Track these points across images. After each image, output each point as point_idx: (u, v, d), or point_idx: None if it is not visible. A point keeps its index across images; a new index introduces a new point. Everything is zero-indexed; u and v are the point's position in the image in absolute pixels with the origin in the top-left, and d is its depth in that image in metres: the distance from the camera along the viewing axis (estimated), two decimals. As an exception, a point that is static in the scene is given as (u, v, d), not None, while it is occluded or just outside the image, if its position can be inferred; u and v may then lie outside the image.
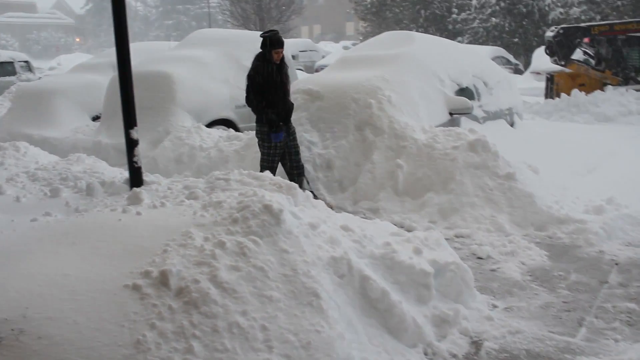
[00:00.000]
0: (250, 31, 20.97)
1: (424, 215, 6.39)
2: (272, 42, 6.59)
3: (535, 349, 3.97)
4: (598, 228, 6.01)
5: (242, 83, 10.59)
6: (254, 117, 10.55)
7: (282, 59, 6.74)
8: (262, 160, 7.01)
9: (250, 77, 6.78)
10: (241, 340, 3.23)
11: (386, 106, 7.50)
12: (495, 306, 4.58)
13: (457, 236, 6.00)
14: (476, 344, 4.02)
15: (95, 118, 11.60)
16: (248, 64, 11.39)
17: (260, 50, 6.72)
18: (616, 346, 3.97)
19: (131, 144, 5.30)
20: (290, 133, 6.99)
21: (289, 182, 4.68)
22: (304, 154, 7.36)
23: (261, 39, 6.69)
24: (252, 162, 7.71)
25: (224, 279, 3.46)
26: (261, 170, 6.44)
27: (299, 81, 9.03)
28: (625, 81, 15.72)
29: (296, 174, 7.05)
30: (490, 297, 4.74)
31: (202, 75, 10.17)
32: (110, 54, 13.12)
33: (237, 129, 10.02)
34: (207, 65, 10.46)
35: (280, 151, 6.93)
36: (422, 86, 8.41)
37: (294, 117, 7.15)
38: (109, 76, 10.93)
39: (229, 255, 3.64)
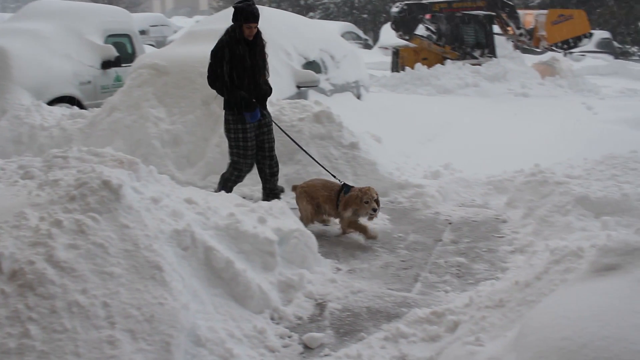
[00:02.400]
0: (95, 4, 19.88)
1: (272, 186, 6.50)
2: (243, 15, 5.44)
3: (375, 305, 4.21)
4: (434, 191, 6.44)
5: (85, 58, 10.23)
6: (100, 93, 10.26)
7: (258, 35, 5.63)
8: (231, 155, 5.89)
9: (213, 54, 5.64)
10: (82, 319, 3.14)
11: (233, 80, 7.49)
12: (339, 269, 4.79)
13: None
14: (321, 306, 4.20)
15: None
16: (92, 38, 11.05)
17: (232, 23, 5.59)
18: (446, 296, 4.32)
19: (-44, 123, 4.93)
20: (264, 124, 5.90)
21: (130, 157, 4.55)
22: (150, 130, 7.18)
23: (233, 9, 5.59)
24: (97, 140, 7.43)
25: (62, 258, 3.34)
26: (231, 168, 5.87)
27: (145, 56, 8.79)
28: (463, 56, 16.72)
29: (269, 173, 6.06)
30: (335, 260, 4.95)
31: (41, 50, 9.58)
32: None
33: (81, 107, 9.58)
34: (47, 39, 9.87)
35: (252, 142, 5.79)
36: (269, 60, 8.45)
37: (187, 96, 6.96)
38: None
39: (67, 234, 3.51)
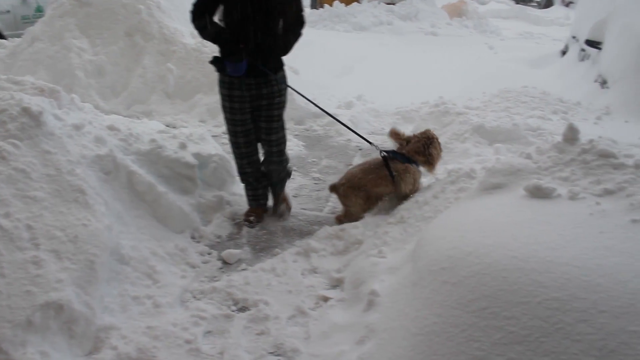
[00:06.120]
0: None
1: (194, 115, 6.39)
2: None
3: (290, 224, 4.28)
4: (347, 120, 6.47)
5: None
6: (20, 24, 9.58)
7: None
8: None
9: None
10: (5, 242, 3.03)
11: (155, 12, 7.20)
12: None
13: (224, 133, 6.09)
14: (238, 225, 4.23)
15: None
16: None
17: None
18: (353, 215, 4.42)
19: None
20: (264, 95, 3.94)
21: (51, 85, 4.30)
22: (74, 60, 6.82)
23: None
24: (19, 70, 7.02)
25: (-18, 183, 3.19)
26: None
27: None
28: (378, -6, 16.56)
29: (267, 164, 4.20)
30: (253, 184, 4.94)
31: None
32: None
33: (1, 37, 8.98)
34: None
35: (242, 114, 3.94)
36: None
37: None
38: None
39: (-14, 160, 3.34)
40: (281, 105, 4.05)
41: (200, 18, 3.77)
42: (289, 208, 4.35)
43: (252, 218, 4.22)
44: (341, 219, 4.24)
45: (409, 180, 4.15)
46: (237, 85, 3.84)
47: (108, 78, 6.95)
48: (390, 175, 4.09)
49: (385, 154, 4.18)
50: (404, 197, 4.13)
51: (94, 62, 7.00)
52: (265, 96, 3.92)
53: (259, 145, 4.20)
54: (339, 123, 4.53)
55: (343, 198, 4.24)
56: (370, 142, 4.38)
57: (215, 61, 3.84)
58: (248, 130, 4.01)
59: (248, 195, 4.30)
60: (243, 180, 4.25)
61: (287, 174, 4.35)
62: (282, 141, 4.11)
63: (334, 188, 4.28)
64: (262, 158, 4.28)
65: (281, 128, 4.10)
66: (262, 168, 4.24)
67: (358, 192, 4.17)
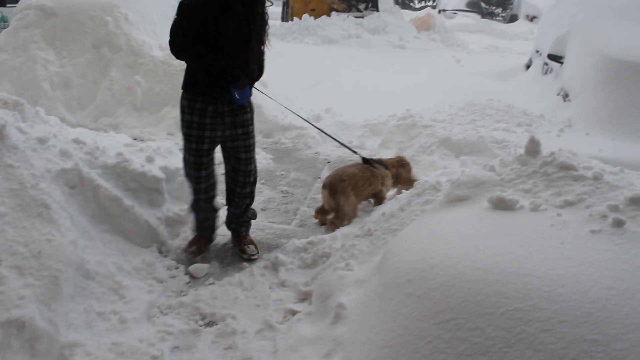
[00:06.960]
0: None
1: (162, 128, 6.35)
2: None
3: (257, 237, 4.26)
4: (315, 133, 6.50)
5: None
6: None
7: None
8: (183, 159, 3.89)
9: (182, 6, 3.42)
10: (-34, 258, 2.97)
11: (123, 24, 7.14)
12: (223, 204, 4.75)
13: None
14: (206, 239, 4.18)
15: None
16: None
17: None
18: (322, 228, 4.43)
19: None
20: (239, 123, 3.73)
21: (15, 97, 4.23)
22: (39, 72, 6.71)
23: None
24: (-17, 82, 6.89)
25: (-58, 198, 3.12)
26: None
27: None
28: (349, 8, 16.74)
29: (239, 193, 4.02)
30: (220, 197, 4.89)
31: None
32: None
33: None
34: None
35: (207, 144, 3.70)
36: (160, 4, 8.11)
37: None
38: None
39: (-54, 175, 3.27)
40: (254, 133, 3.90)
41: (191, 46, 3.40)
42: (257, 249, 4.03)
43: (193, 249, 3.96)
44: (335, 222, 4.29)
45: (389, 183, 4.61)
46: (212, 112, 3.59)
47: (75, 90, 6.86)
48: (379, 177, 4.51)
49: (368, 160, 4.59)
50: (381, 201, 4.51)
51: (60, 74, 6.90)
52: (239, 124, 3.71)
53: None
54: (316, 133, 4.54)
55: (340, 196, 4.25)
56: (354, 151, 4.74)
57: (220, 90, 3.54)
58: (210, 161, 3.84)
59: (196, 223, 4.03)
60: (195, 208, 3.99)
61: (252, 215, 4.19)
62: (255, 168, 4.01)
63: (328, 185, 4.31)
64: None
65: (254, 155, 3.98)
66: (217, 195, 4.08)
67: (355, 192, 4.33)
